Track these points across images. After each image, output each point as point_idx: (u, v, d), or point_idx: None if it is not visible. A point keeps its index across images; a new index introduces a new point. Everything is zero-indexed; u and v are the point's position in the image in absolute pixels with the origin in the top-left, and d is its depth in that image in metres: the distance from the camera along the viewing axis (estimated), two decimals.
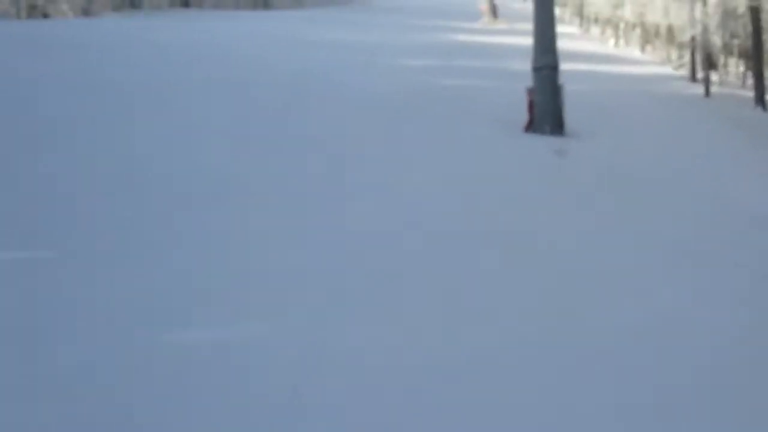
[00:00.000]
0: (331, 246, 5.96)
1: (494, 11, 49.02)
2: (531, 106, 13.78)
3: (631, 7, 37.16)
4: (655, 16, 34.95)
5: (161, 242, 5.64)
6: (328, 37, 25.34)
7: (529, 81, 14.01)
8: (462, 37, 33.67)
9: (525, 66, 14.14)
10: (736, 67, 31.60)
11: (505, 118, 13.81)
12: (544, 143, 12.52)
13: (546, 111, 13.45)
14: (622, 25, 43.30)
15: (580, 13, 52.77)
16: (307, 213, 6.71)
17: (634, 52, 38.97)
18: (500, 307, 5.13)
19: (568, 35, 42.23)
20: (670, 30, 33.94)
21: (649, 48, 39.39)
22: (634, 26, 43.69)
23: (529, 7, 71.30)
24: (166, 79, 12.75)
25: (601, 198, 9.30)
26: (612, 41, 41.71)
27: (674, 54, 33.84)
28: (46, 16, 28.84)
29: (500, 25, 47.35)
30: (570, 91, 14.12)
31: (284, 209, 6.79)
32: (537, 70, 13.95)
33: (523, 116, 13.88)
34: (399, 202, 7.64)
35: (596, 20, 52.41)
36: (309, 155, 8.91)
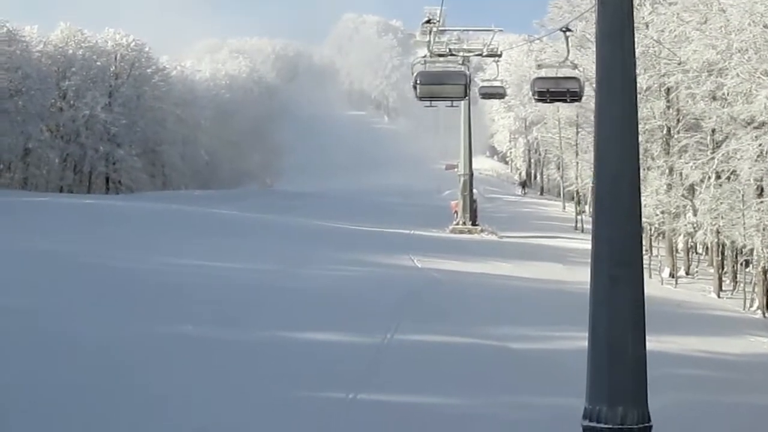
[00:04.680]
0: None
1: (473, 213, 45.45)
2: None
3: (703, 218, 33.16)
4: (744, 237, 30.85)
5: None
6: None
7: None
8: (418, 261, 29.19)
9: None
10: None
11: None
12: None
13: None
14: (680, 244, 39.32)
15: None
16: None
17: (705, 291, 34.56)
18: None
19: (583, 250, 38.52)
20: None
21: (728, 283, 35.23)
22: (705, 248, 39.65)
23: (526, 205, 70.71)
24: None
25: None
26: (667, 270, 37.26)
27: None
28: None
29: (481, 234, 43.86)
30: None
31: None
32: None
33: None
34: None
35: None
36: None
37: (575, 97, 22.35)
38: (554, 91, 21.50)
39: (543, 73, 23.52)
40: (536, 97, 21.77)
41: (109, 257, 23.79)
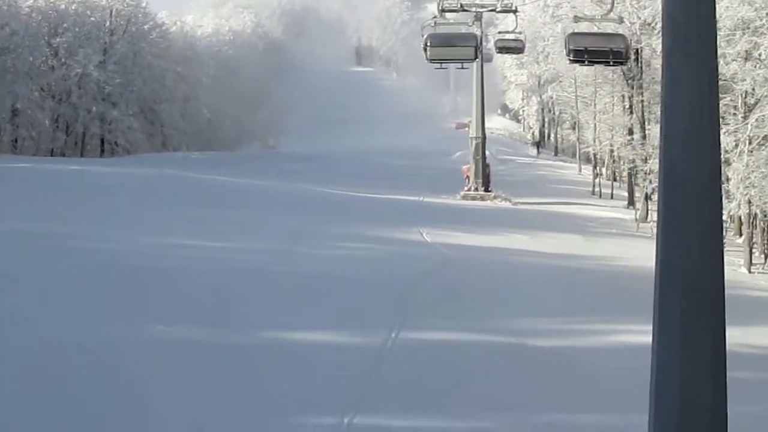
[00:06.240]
0: None
1: (485, 178, 43.39)
2: None
3: (735, 188, 31.07)
4: None
5: None
6: None
7: None
8: (428, 235, 27.60)
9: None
10: None
11: None
12: None
13: None
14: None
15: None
16: None
17: (735, 265, 32.49)
18: None
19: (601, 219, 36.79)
20: None
21: (757, 255, 33.28)
22: (730, 218, 37.60)
23: (540, 168, 69.24)
24: None
25: None
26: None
27: None
28: None
29: (494, 200, 41.92)
30: None
31: None
32: None
33: None
34: None
35: None
36: None
37: (619, 58, 18.49)
38: (594, 51, 17.85)
39: (581, 27, 19.74)
40: (571, 57, 18.15)
41: (95, 238, 21.94)
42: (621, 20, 20.46)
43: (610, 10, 20.22)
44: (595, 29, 23.91)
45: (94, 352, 12.79)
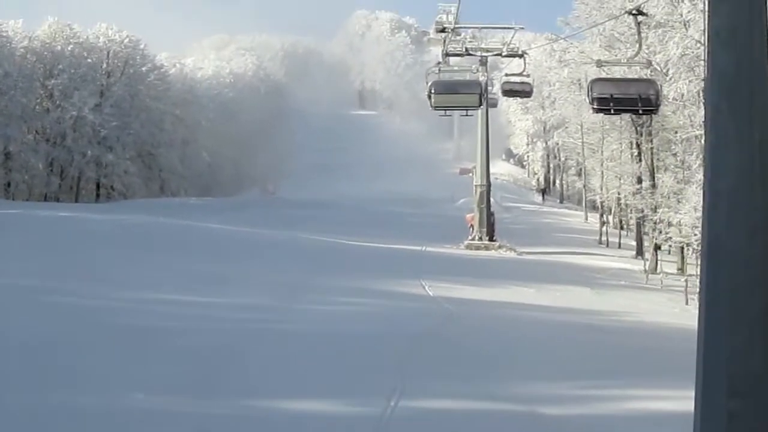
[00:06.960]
0: None
1: (490, 227, 42.69)
2: None
3: None
4: None
5: None
6: None
7: None
8: (430, 288, 26.77)
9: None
10: None
11: None
12: None
13: None
14: None
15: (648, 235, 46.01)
16: None
17: None
18: None
19: (609, 270, 35.78)
20: None
21: None
22: None
23: (545, 216, 68.49)
24: None
25: None
26: None
27: None
28: None
29: (498, 250, 41.19)
30: None
31: None
32: None
33: None
34: None
35: None
36: None
37: (649, 106, 16.80)
38: (621, 98, 16.29)
39: (591, 73, 18.11)
40: (595, 106, 16.57)
41: (75, 293, 20.97)
42: (649, 64, 19.14)
43: (638, 53, 19.06)
44: (603, 74, 23.15)
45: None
